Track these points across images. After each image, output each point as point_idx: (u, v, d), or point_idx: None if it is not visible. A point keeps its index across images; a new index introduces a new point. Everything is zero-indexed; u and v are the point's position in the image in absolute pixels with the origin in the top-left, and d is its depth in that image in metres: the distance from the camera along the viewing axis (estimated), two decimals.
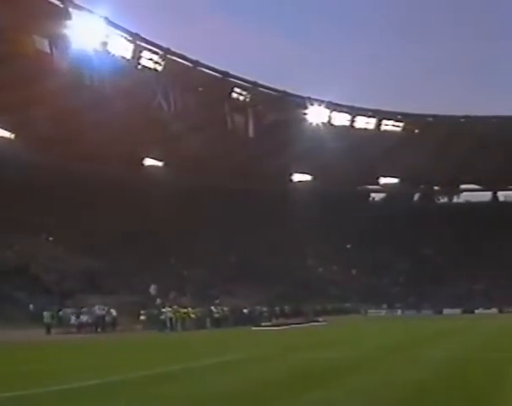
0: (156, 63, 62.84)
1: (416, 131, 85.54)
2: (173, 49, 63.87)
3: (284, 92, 75.37)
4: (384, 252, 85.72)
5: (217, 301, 56.30)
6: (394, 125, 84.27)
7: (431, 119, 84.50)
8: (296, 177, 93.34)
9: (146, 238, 68.11)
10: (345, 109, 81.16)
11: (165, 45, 63.35)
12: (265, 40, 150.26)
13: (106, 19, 57.09)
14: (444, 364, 17.23)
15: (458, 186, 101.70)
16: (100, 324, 44.04)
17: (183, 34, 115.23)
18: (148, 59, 62.51)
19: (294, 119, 77.77)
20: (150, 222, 70.15)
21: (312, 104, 77.06)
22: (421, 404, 11.39)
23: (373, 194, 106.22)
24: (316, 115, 77.94)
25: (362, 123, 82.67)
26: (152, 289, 58.03)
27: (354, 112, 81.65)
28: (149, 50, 62.53)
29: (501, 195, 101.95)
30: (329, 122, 79.85)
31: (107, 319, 44.56)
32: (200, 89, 68.38)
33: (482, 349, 22.64)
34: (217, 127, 71.09)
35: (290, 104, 77.34)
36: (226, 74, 69.18)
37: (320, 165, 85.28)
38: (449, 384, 13.37)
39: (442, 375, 14.85)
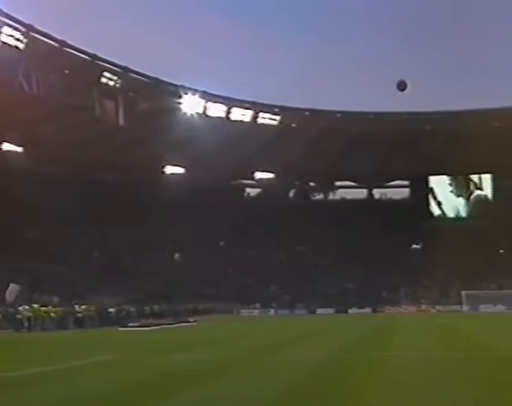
0: (18, 40, 59.11)
1: (293, 125, 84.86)
2: (37, 26, 59.68)
3: (156, 79, 73.01)
4: (257, 249, 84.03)
5: (80, 300, 52.51)
6: (270, 118, 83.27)
7: (308, 113, 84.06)
8: (169, 169, 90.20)
9: (1, 230, 63.07)
10: (220, 100, 79.71)
11: (28, 21, 59.07)
12: (139, 24, 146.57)
13: None
14: (314, 366, 16.84)
15: (333, 183, 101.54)
16: None
17: (50, 12, 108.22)
18: (8, 36, 58.57)
19: (167, 108, 75.77)
20: (7, 212, 64.99)
21: (186, 93, 74.87)
22: None
23: (248, 190, 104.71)
24: (191, 105, 76.00)
25: (239, 115, 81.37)
26: (8, 294, 51.97)
27: (230, 103, 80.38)
28: (10, 25, 58.38)
29: (376, 193, 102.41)
30: (204, 112, 77.84)
31: None
32: (66, 71, 64.91)
33: (352, 350, 22.29)
34: (84, 113, 67.39)
35: (163, 92, 75.37)
36: (94, 57, 66.43)
37: (194, 157, 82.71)
38: (318, 385, 13.25)
39: (311, 377, 14.55)
